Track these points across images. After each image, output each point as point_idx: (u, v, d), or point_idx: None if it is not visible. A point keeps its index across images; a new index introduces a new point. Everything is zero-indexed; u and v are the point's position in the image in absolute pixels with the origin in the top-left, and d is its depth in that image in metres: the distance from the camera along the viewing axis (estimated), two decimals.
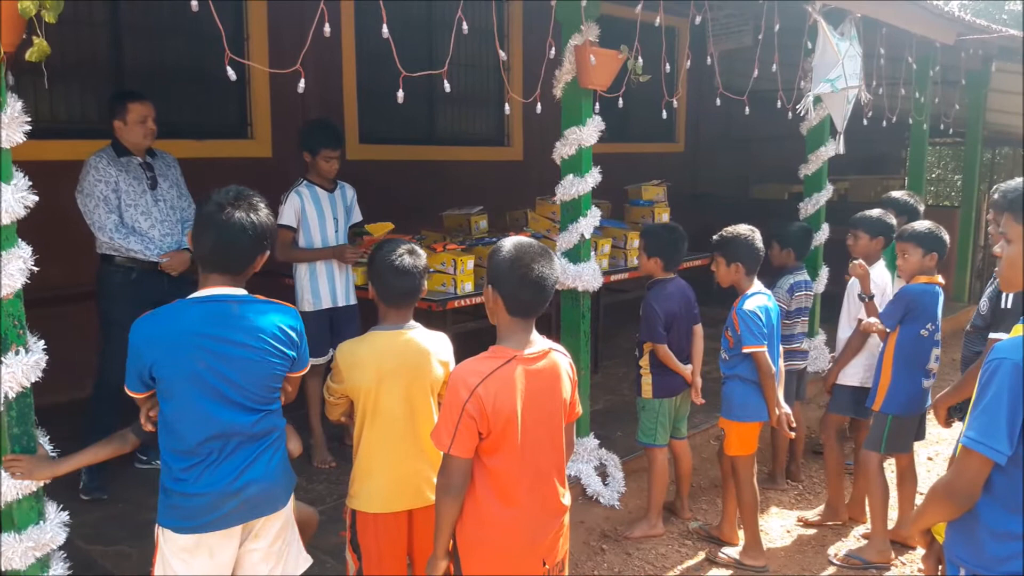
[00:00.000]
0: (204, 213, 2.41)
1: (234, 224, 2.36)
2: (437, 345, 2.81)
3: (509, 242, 2.40)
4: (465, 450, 2.31)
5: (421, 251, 2.83)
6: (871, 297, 4.27)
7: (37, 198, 2.34)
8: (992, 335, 3.39)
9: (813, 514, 4.74)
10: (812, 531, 4.60)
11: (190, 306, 2.39)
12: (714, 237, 4.17)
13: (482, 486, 2.37)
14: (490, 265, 2.41)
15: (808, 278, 5.01)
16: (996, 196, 3.18)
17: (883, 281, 4.49)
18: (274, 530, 2.55)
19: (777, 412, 4.03)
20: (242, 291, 2.45)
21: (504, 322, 2.41)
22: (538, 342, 2.43)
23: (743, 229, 4.09)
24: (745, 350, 3.98)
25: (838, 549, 4.35)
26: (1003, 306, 3.47)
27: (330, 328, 4.74)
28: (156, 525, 2.45)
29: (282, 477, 2.56)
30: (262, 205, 2.46)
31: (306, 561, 2.73)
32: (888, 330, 4.07)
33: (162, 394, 2.38)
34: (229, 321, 2.38)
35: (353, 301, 4.79)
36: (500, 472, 2.35)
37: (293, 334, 2.50)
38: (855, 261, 4.38)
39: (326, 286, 4.72)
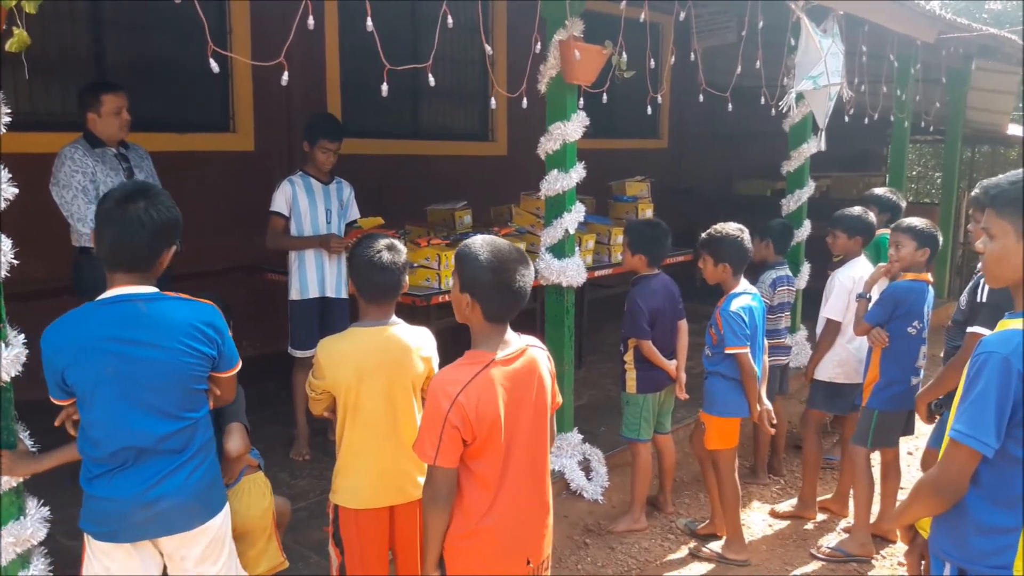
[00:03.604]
0: (102, 210, 2.33)
1: (132, 220, 2.28)
2: (419, 341, 2.79)
3: (485, 248, 2.29)
4: (451, 460, 2.26)
5: (401, 247, 2.81)
6: (869, 298, 4.28)
7: (17, 191, 2.32)
8: (970, 329, 3.42)
9: (785, 505, 4.79)
10: (793, 524, 4.64)
11: (96, 309, 2.31)
12: (702, 235, 4.16)
13: (467, 487, 2.33)
14: (466, 271, 2.31)
15: (790, 273, 5.05)
16: (977, 192, 3.22)
17: (863, 276, 4.52)
18: (198, 549, 2.44)
19: (758, 408, 4.07)
20: (151, 289, 2.36)
21: (480, 326, 2.34)
22: (514, 341, 2.38)
23: (732, 229, 4.07)
24: (728, 351, 4.00)
25: (820, 542, 4.38)
26: (979, 299, 3.50)
27: (320, 320, 4.72)
28: None
29: (203, 493, 2.44)
30: (164, 199, 2.37)
31: None
32: (885, 335, 4.07)
33: (78, 400, 2.33)
34: (137, 321, 2.29)
35: (345, 295, 4.77)
36: (485, 474, 2.32)
37: (211, 331, 2.39)
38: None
39: (314, 275, 4.71)
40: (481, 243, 2.32)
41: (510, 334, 2.39)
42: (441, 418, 2.22)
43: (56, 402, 2.38)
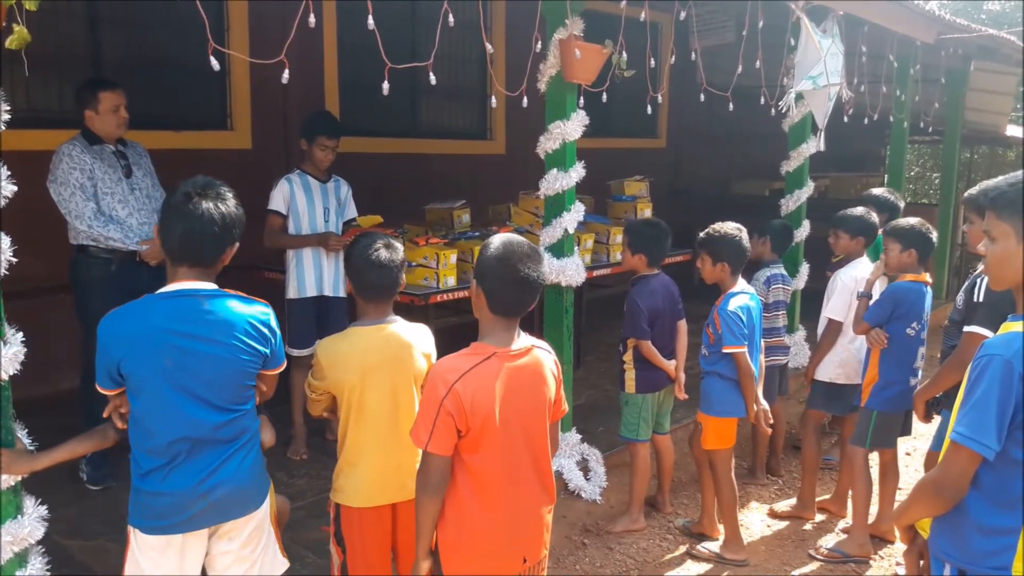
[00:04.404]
0: (172, 203, 2.36)
1: (202, 214, 2.32)
2: (419, 338, 2.80)
3: (499, 239, 2.36)
4: (443, 447, 2.28)
5: (398, 244, 2.81)
6: (870, 296, 4.28)
7: (16, 188, 2.31)
8: (966, 328, 3.42)
9: (783, 505, 4.79)
10: (792, 525, 4.64)
11: (158, 301, 2.34)
12: (700, 235, 4.16)
13: (463, 484, 2.34)
14: (479, 259, 2.38)
15: (784, 272, 5.05)
16: (975, 194, 3.21)
17: (865, 276, 4.51)
18: (246, 532, 2.50)
19: (755, 408, 4.06)
20: (212, 285, 2.39)
21: (487, 319, 2.38)
22: (521, 339, 2.40)
23: (730, 228, 4.08)
24: (726, 350, 4.00)
25: (819, 543, 4.38)
26: (976, 299, 3.50)
27: (317, 319, 4.72)
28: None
29: (255, 480, 2.50)
30: (231, 195, 2.41)
31: (282, 565, 2.69)
32: (884, 336, 4.07)
33: (131, 391, 2.34)
34: (198, 316, 2.32)
35: (342, 293, 4.76)
36: (481, 470, 2.33)
37: (265, 329, 2.44)
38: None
39: (312, 274, 4.70)
40: (499, 236, 2.39)
41: (518, 333, 2.41)
42: (437, 404, 2.25)
43: (102, 391, 2.39)
